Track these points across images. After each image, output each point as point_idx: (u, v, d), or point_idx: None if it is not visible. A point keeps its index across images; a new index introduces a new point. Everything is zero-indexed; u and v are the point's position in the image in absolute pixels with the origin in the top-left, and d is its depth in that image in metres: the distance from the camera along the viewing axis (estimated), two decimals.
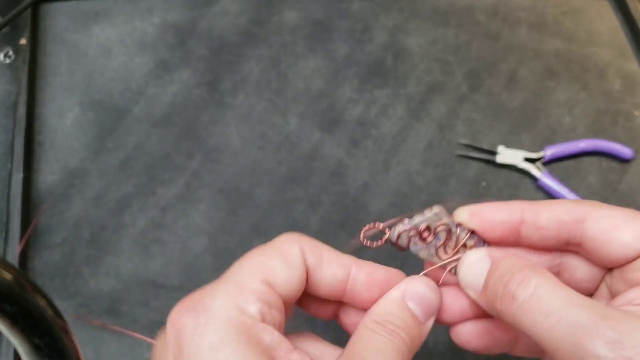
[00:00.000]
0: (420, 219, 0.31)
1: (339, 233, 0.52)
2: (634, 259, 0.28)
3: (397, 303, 0.30)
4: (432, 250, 0.32)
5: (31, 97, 0.57)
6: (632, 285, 0.28)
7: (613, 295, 0.30)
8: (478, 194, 0.55)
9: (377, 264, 0.31)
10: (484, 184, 0.56)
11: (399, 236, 0.31)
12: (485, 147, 0.57)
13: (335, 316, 0.32)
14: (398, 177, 0.56)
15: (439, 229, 0.32)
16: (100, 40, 0.62)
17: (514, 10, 0.66)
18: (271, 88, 0.60)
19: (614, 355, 0.23)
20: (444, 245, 0.32)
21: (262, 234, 0.52)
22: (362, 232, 0.32)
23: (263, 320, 0.27)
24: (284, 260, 0.29)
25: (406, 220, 0.32)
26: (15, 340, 0.16)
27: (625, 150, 0.57)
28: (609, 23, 0.66)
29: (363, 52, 0.62)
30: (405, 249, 0.32)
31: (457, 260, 0.32)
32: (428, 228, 0.31)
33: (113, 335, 0.47)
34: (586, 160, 0.57)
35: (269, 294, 0.27)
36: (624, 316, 0.25)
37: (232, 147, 0.56)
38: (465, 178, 0.56)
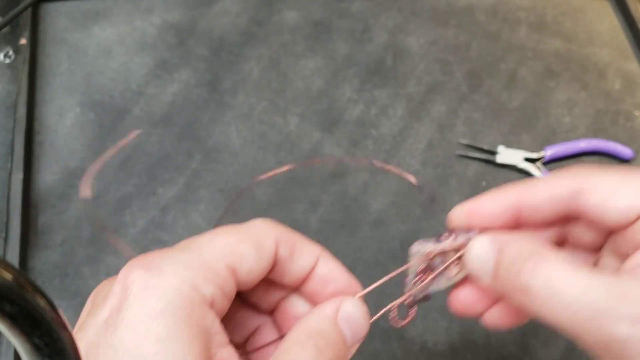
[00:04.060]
0: (413, 270, 0.31)
1: (339, 233, 0.52)
2: (634, 222, 0.28)
3: (330, 321, 0.29)
4: (446, 276, 0.31)
5: (31, 97, 0.57)
6: (636, 246, 0.28)
7: (619, 254, 0.30)
8: (478, 194, 0.55)
9: (342, 266, 0.30)
10: (484, 184, 0.56)
11: (414, 298, 0.31)
12: (485, 147, 0.57)
13: (271, 312, 0.32)
14: (398, 177, 0.56)
15: (432, 261, 0.31)
16: (100, 40, 0.62)
17: (514, 10, 0.66)
18: (271, 88, 0.60)
19: (638, 333, 0.23)
20: (447, 265, 0.31)
21: None
22: (391, 319, 0.31)
23: (212, 305, 0.26)
24: (255, 249, 0.28)
25: (407, 281, 0.31)
26: (15, 340, 0.16)
27: (625, 150, 0.57)
28: (609, 23, 0.66)
29: (363, 52, 0.62)
30: (429, 298, 0.31)
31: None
32: (424, 270, 0.31)
33: None
34: (586, 160, 0.57)
35: (228, 281, 0.27)
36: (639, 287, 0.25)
37: (232, 147, 0.56)
38: (465, 178, 0.56)
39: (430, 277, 0.31)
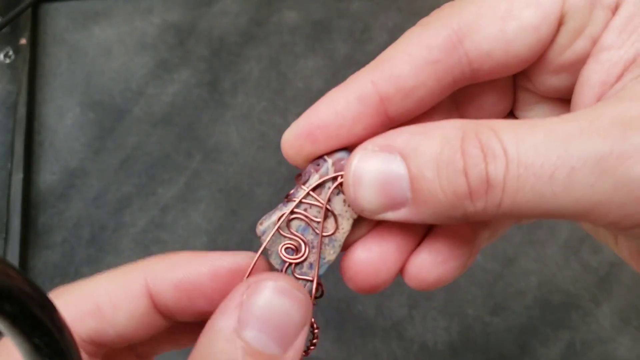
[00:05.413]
0: (275, 257, 0.22)
1: None
2: (549, 40, 0.20)
3: (226, 337, 0.19)
4: (330, 239, 0.21)
5: (31, 97, 0.57)
6: (574, 63, 0.21)
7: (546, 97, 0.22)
8: None
9: (224, 252, 0.23)
10: None
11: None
12: None
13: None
14: None
15: (296, 232, 0.21)
16: (100, 40, 0.62)
17: None
18: (271, 88, 0.60)
19: None
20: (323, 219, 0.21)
21: None
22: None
23: None
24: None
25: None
26: (15, 340, 0.16)
27: None
28: None
29: (363, 52, 0.62)
30: (321, 285, 0.22)
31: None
32: (289, 250, 0.21)
33: None
34: None
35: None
36: (629, 106, 0.18)
37: (232, 147, 0.56)
38: None
39: (305, 255, 0.21)
